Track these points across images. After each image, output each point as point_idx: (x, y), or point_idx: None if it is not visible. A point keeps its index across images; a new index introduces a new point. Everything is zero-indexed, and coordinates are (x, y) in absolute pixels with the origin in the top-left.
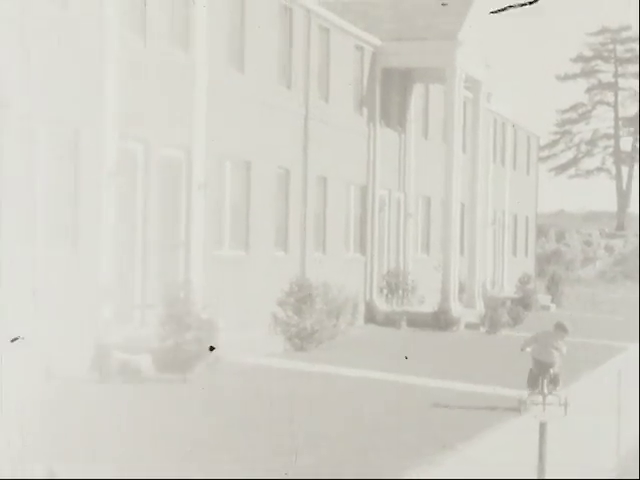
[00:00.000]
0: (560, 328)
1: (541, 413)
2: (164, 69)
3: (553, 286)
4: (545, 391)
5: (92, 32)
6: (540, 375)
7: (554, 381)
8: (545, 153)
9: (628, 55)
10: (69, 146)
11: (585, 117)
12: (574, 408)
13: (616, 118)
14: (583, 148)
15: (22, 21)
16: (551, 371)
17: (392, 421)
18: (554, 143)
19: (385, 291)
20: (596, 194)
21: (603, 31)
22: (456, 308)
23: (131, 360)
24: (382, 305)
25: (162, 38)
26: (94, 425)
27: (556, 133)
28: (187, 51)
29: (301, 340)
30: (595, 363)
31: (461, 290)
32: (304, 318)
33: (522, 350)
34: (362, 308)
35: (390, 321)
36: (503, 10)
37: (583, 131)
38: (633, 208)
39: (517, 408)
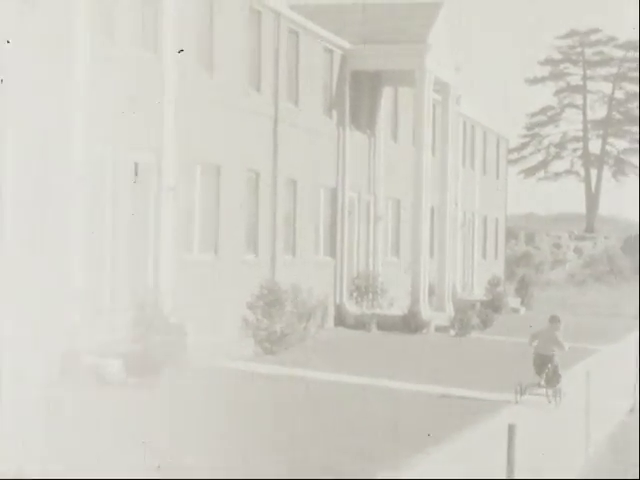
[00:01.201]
0: (554, 320)
1: (514, 411)
2: (133, 72)
3: (523, 288)
4: (542, 383)
5: (60, 34)
6: (541, 368)
7: (554, 373)
8: (514, 156)
9: (597, 58)
10: (37, 149)
11: (554, 120)
12: (545, 410)
13: (585, 121)
14: (552, 151)
15: None
16: (549, 365)
17: (363, 424)
18: (523, 146)
19: (355, 294)
20: (565, 196)
21: (571, 34)
22: (426, 311)
23: (100, 364)
24: (352, 308)
25: (131, 41)
26: (63, 429)
27: (525, 136)
28: (156, 54)
29: (271, 343)
30: (565, 365)
31: (431, 293)
32: (274, 321)
33: (530, 345)
34: (332, 311)
35: (360, 324)
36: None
37: (552, 134)
38: (602, 210)
39: (513, 398)
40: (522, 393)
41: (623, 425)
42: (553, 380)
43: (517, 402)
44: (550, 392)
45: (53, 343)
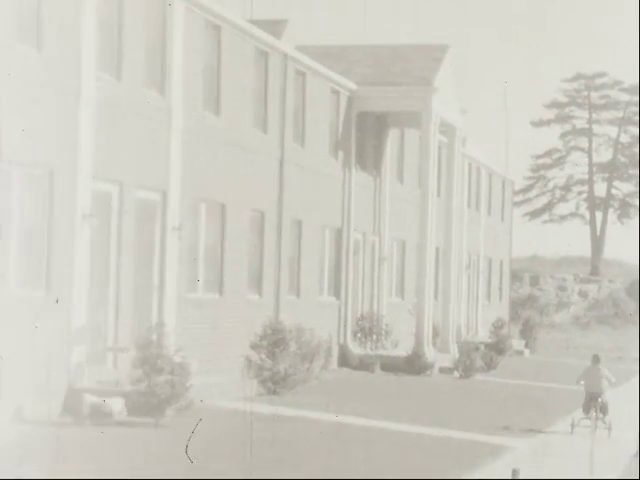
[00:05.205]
0: (595, 359)
1: (515, 455)
2: (140, 111)
3: (527, 331)
4: (594, 416)
5: (68, 73)
6: (591, 403)
7: (603, 408)
8: (519, 198)
9: (602, 102)
10: (44, 187)
11: (559, 163)
12: (548, 455)
13: (590, 164)
14: (557, 193)
15: None
16: (599, 400)
17: (366, 466)
18: (528, 188)
19: (359, 335)
20: (570, 239)
21: (577, 77)
22: (430, 352)
23: (103, 403)
24: (356, 349)
25: (138, 80)
26: (65, 469)
27: (530, 178)
28: (163, 93)
29: (274, 384)
30: (569, 410)
31: (435, 334)
32: (278, 362)
33: (577, 384)
34: (336, 352)
35: (364, 365)
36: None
37: (557, 176)
38: (607, 253)
39: (568, 431)
40: (576, 425)
41: (626, 469)
42: (602, 413)
43: (571, 433)
44: (603, 423)
45: (56, 381)
